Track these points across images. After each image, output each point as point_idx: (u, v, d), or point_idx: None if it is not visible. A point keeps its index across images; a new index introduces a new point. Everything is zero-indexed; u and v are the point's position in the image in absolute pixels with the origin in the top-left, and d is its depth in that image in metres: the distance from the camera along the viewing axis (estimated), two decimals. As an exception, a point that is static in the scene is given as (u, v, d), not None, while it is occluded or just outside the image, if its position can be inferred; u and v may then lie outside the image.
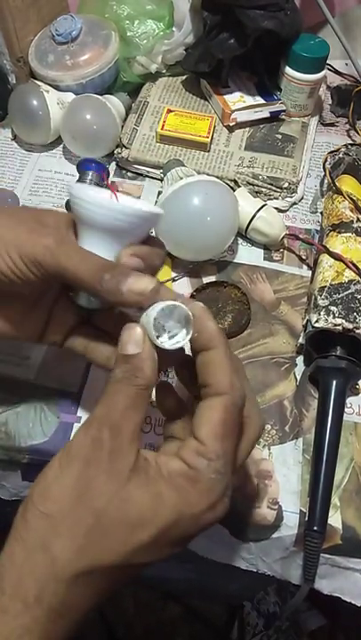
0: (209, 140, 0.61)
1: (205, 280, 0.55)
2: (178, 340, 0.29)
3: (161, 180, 0.60)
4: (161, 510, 0.25)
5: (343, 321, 0.45)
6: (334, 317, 0.45)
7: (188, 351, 0.30)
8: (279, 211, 0.60)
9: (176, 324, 0.29)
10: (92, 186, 0.31)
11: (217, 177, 0.57)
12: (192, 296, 0.52)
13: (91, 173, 0.59)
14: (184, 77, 0.70)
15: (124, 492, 0.25)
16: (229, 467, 0.27)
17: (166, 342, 0.29)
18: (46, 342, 0.38)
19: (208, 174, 0.58)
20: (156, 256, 0.32)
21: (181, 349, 0.29)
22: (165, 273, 0.55)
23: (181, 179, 0.53)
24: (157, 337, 0.28)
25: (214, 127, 0.63)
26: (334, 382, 0.45)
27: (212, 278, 0.55)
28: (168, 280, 0.54)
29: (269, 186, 0.60)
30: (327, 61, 0.64)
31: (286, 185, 0.60)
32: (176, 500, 0.26)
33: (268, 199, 0.60)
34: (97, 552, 0.25)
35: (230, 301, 0.52)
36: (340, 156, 0.59)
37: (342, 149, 0.59)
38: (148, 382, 0.27)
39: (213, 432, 0.26)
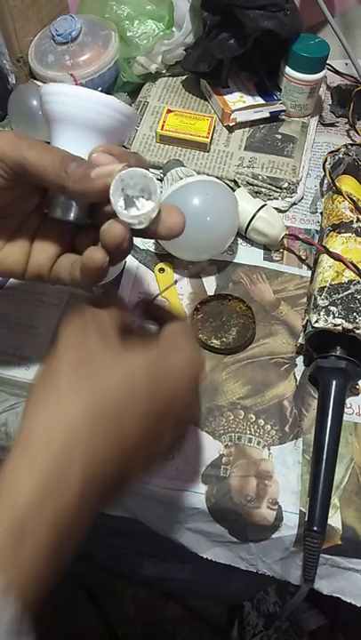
0: (209, 140, 0.61)
1: (205, 280, 0.55)
2: (143, 210, 0.29)
3: (161, 180, 0.60)
4: (149, 361, 0.30)
5: (343, 321, 0.45)
6: (334, 317, 0.45)
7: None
8: (279, 211, 0.60)
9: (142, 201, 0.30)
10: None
11: (217, 177, 0.57)
12: (196, 309, 0.52)
13: None
14: (184, 77, 0.70)
15: (117, 354, 0.29)
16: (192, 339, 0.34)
17: (131, 212, 0.29)
18: (32, 276, 0.37)
19: (208, 174, 0.58)
20: (130, 157, 0.31)
21: None
22: (167, 275, 0.55)
23: (181, 179, 0.53)
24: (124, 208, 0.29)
25: (214, 127, 0.63)
26: (334, 382, 0.45)
27: (212, 278, 0.55)
28: (170, 286, 0.54)
29: (269, 186, 0.60)
30: (327, 61, 0.64)
31: (286, 185, 0.60)
32: (159, 353, 0.31)
33: (268, 199, 0.60)
34: (101, 403, 0.28)
35: (235, 315, 0.52)
36: (340, 156, 0.59)
37: (342, 149, 0.59)
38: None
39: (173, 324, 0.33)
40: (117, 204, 0.29)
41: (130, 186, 0.29)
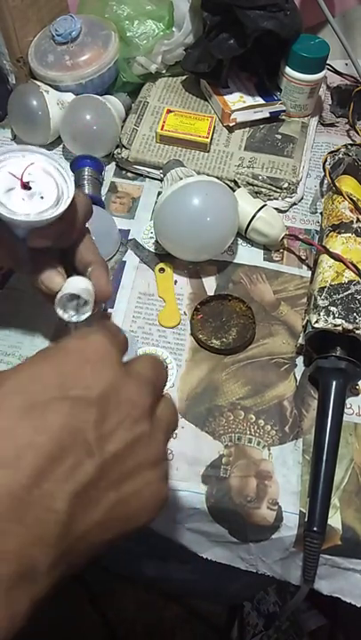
0: (209, 140, 0.61)
1: (205, 280, 0.55)
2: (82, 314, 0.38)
3: (161, 180, 0.60)
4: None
5: (343, 321, 0.45)
6: (334, 318, 0.45)
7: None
8: (279, 211, 0.60)
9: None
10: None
11: (217, 177, 0.57)
12: (196, 309, 0.52)
13: (87, 169, 0.59)
14: (184, 77, 0.70)
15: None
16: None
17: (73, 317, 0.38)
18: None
19: (208, 174, 0.58)
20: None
21: None
22: (167, 275, 0.55)
23: (181, 179, 0.53)
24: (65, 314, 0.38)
25: (214, 127, 0.63)
26: (334, 383, 0.45)
27: (212, 278, 0.55)
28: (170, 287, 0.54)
29: (269, 186, 0.60)
30: (327, 61, 0.64)
31: (286, 185, 0.60)
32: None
33: (268, 199, 0.60)
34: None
35: (235, 315, 0.52)
36: (340, 156, 0.59)
37: (342, 149, 0.59)
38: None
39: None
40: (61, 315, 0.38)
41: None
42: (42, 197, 0.35)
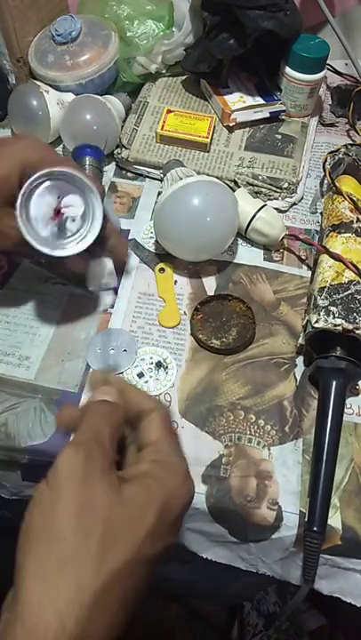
0: (209, 140, 0.61)
1: (205, 280, 0.55)
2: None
3: (161, 180, 0.60)
4: (152, 499, 0.28)
5: (343, 321, 0.45)
6: (334, 318, 0.45)
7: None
8: (279, 211, 0.60)
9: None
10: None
11: (217, 177, 0.57)
12: (196, 309, 0.52)
13: (88, 159, 0.58)
14: (184, 77, 0.70)
15: (119, 497, 0.27)
16: (180, 451, 0.32)
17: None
18: None
19: (208, 174, 0.58)
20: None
21: None
22: (167, 275, 0.55)
23: (181, 179, 0.53)
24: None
25: (214, 127, 0.63)
26: (334, 383, 0.45)
27: (212, 278, 0.55)
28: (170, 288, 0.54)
29: (269, 186, 0.60)
30: (327, 61, 0.64)
31: (286, 185, 0.60)
32: (159, 486, 0.29)
33: (268, 199, 0.60)
34: (112, 556, 0.26)
35: (235, 315, 0.52)
36: (340, 156, 0.59)
37: (342, 149, 0.59)
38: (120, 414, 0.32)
39: (159, 432, 0.32)
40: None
41: None
42: (73, 220, 0.38)
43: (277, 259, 0.57)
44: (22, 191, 0.37)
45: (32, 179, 0.37)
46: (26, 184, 0.37)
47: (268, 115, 0.64)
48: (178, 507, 0.29)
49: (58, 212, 0.37)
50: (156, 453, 0.31)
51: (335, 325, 0.45)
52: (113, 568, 0.25)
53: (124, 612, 0.26)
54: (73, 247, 0.39)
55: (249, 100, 0.64)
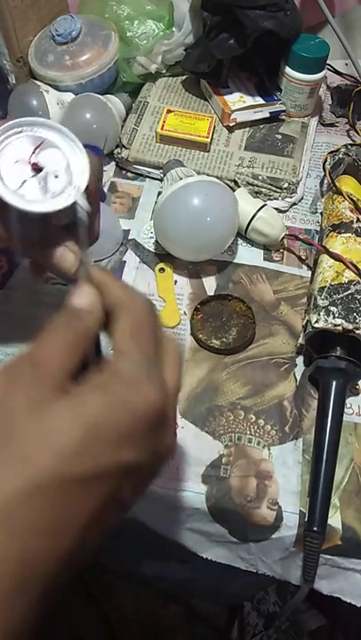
0: (209, 140, 0.61)
1: (205, 280, 0.55)
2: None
3: (161, 180, 0.60)
4: (78, 410, 0.23)
5: (343, 321, 0.45)
6: (334, 318, 0.45)
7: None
8: (279, 211, 0.60)
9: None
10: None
11: (217, 177, 0.57)
12: (196, 309, 0.52)
13: None
14: (184, 77, 0.70)
15: (38, 413, 0.23)
16: (148, 358, 0.26)
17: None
18: None
19: (208, 174, 0.58)
20: None
21: None
22: (167, 275, 0.55)
23: (181, 179, 0.53)
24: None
25: (214, 127, 0.63)
26: (334, 383, 0.45)
27: (212, 278, 0.55)
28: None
29: (269, 186, 0.60)
30: (327, 61, 0.64)
31: (286, 185, 0.60)
32: (94, 396, 0.24)
33: (268, 199, 0.60)
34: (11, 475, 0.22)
35: (235, 315, 0.52)
36: (340, 156, 0.59)
37: (342, 149, 0.59)
38: (88, 330, 0.27)
39: (124, 343, 0.26)
40: None
41: None
42: (56, 177, 0.33)
43: (277, 259, 0.57)
44: None
45: None
46: None
47: (268, 115, 0.64)
48: (122, 417, 0.23)
49: (36, 167, 0.32)
50: (109, 365, 0.25)
51: (335, 325, 0.45)
52: (11, 485, 0.21)
53: (20, 541, 0.21)
54: (53, 202, 0.32)
55: (249, 100, 0.64)
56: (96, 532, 0.23)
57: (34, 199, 0.32)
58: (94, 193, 0.35)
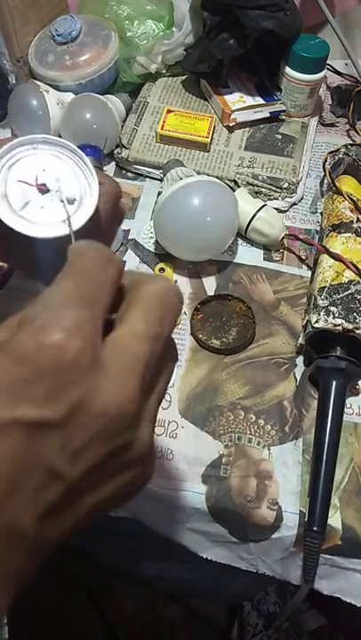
0: (209, 140, 0.61)
1: (205, 280, 0.55)
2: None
3: (161, 180, 0.60)
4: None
5: (343, 321, 0.45)
6: (334, 318, 0.45)
7: None
8: (279, 211, 0.60)
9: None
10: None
11: (217, 177, 0.57)
12: (196, 309, 0.52)
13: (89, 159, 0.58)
14: (184, 77, 0.70)
15: None
16: (82, 300, 0.24)
17: None
18: None
19: (208, 174, 0.58)
20: None
21: None
22: (167, 275, 0.55)
23: (181, 179, 0.53)
24: None
25: (214, 127, 0.63)
26: (334, 383, 0.45)
27: (212, 278, 0.55)
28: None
29: (269, 186, 0.60)
30: (327, 61, 0.64)
31: (286, 185, 0.60)
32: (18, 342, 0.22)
33: (268, 199, 0.60)
34: None
35: (235, 315, 0.52)
36: (340, 156, 0.59)
37: (342, 149, 0.59)
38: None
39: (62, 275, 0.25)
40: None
41: None
42: (61, 201, 0.31)
43: (277, 259, 0.57)
44: None
45: (4, 148, 0.30)
46: None
47: (268, 115, 0.64)
48: (14, 368, 0.20)
49: (42, 189, 0.31)
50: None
51: (335, 325, 0.45)
52: None
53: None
54: (46, 228, 0.30)
55: (249, 100, 0.64)
56: (21, 497, 0.20)
57: (33, 221, 0.30)
58: (108, 218, 0.32)
